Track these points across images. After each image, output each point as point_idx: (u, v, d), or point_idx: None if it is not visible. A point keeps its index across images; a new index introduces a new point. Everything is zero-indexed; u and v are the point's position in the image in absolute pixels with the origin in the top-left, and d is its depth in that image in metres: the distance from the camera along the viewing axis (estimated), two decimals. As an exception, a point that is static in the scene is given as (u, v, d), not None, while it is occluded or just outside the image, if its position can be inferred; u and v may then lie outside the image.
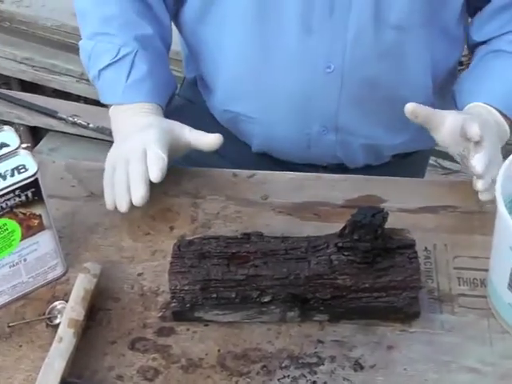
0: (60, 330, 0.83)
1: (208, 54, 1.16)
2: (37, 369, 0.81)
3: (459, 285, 0.92)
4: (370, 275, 0.85)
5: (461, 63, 1.25)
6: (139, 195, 0.95)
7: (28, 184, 0.84)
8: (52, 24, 2.31)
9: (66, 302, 0.87)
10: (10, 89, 2.45)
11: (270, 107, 1.13)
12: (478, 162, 0.94)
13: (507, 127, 1.03)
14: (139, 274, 0.94)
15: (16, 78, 2.42)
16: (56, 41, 2.34)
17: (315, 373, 0.83)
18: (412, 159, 1.30)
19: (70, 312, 0.85)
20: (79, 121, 2.30)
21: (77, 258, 0.96)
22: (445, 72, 1.17)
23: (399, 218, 0.98)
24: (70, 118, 2.30)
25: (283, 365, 0.84)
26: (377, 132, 1.17)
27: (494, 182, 0.93)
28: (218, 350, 0.85)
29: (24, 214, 0.86)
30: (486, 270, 0.90)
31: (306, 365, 0.84)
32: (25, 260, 0.89)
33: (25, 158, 0.85)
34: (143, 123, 1.02)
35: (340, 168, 1.20)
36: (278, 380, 0.82)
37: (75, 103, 2.40)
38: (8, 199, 0.83)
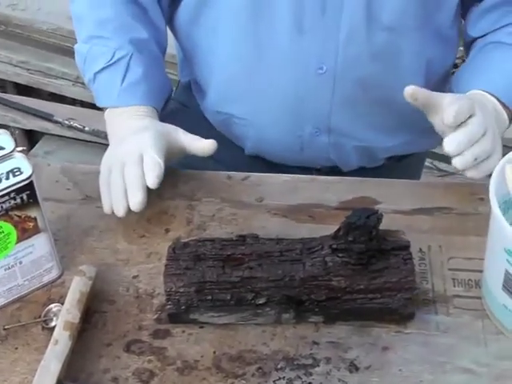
0: (56, 333, 0.83)
1: (202, 56, 1.17)
2: (32, 371, 0.81)
3: (454, 286, 0.92)
4: (365, 277, 0.85)
5: (455, 66, 1.25)
6: (137, 201, 0.95)
7: (23, 187, 0.84)
8: (48, 27, 2.32)
9: (62, 304, 0.87)
10: (6, 92, 2.45)
11: (263, 108, 1.13)
12: (448, 141, 0.94)
13: (506, 115, 1.03)
14: (134, 277, 0.94)
15: (11, 82, 2.42)
16: (52, 44, 2.35)
17: (310, 374, 0.83)
18: (407, 162, 1.30)
19: (65, 314, 0.85)
20: (75, 124, 2.30)
21: (72, 260, 0.96)
22: (438, 74, 1.17)
23: (394, 220, 0.98)
24: (66, 122, 2.31)
25: (278, 366, 0.84)
26: (370, 134, 1.17)
27: (484, 161, 0.94)
28: (214, 352, 0.86)
29: (19, 216, 0.86)
30: (481, 271, 0.90)
31: (302, 366, 0.84)
32: (20, 263, 0.89)
33: (20, 160, 0.85)
34: (138, 126, 1.02)
35: (334, 171, 1.20)
36: (274, 382, 0.82)
37: (71, 106, 2.40)
38: (3, 202, 0.83)
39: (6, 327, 0.88)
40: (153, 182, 0.95)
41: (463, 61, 1.19)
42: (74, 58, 1.14)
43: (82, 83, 2.31)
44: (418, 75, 1.12)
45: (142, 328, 0.88)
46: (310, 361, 0.84)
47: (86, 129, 2.28)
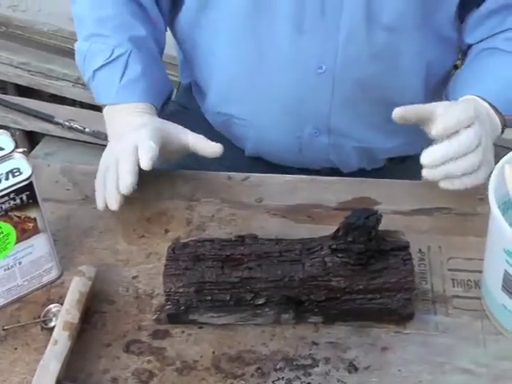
0: (55, 333, 0.83)
1: (202, 57, 1.17)
2: (32, 371, 0.81)
3: (453, 286, 0.92)
4: (364, 277, 0.85)
5: (455, 66, 1.24)
6: (126, 183, 0.94)
7: (22, 187, 0.84)
8: (48, 29, 2.31)
9: (61, 305, 0.87)
10: (6, 93, 2.45)
11: (263, 109, 1.13)
12: (426, 152, 0.93)
13: (498, 121, 1.02)
14: (134, 277, 0.94)
15: (12, 83, 2.42)
16: (52, 45, 2.34)
17: (310, 374, 0.83)
18: (408, 164, 1.29)
19: (65, 315, 0.85)
20: (75, 125, 2.30)
21: (72, 261, 0.96)
22: (438, 75, 1.17)
23: (393, 220, 0.98)
24: (67, 123, 2.30)
25: (278, 367, 0.84)
26: (369, 135, 1.17)
27: (471, 174, 0.94)
28: (213, 353, 0.86)
29: (19, 217, 0.86)
30: (480, 272, 0.90)
31: (301, 367, 0.84)
32: (20, 263, 0.89)
33: (19, 161, 0.85)
34: (137, 123, 1.02)
35: (334, 173, 1.20)
36: (273, 382, 0.83)
37: (71, 108, 2.40)
38: (3, 202, 0.83)
39: (6, 327, 0.88)
40: (146, 163, 0.94)
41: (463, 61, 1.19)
42: (74, 59, 1.15)
43: (83, 84, 2.31)
44: (417, 76, 1.12)
45: (142, 328, 0.88)
46: (309, 361, 0.84)
47: (87, 130, 2.27)
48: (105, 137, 2.39)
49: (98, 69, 1.08)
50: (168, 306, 0.87)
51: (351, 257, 0.85)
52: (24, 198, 0.85)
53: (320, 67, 1.07)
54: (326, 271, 0.85)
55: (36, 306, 0.91)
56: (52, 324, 0.88)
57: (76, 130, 2.30)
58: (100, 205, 0.98)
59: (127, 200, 1.03)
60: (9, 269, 0.89)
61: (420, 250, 0.96)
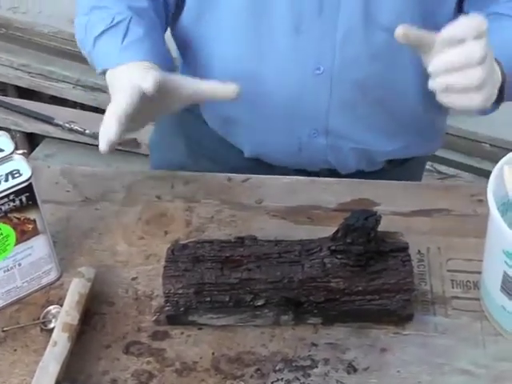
0: (54, 335, 0.83)
1: (202, 59, 1.17)
2: (31, 373, 0.81)
3: (452, 287, 0.92)
4: (363, 278, 0.85)
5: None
6: (123, 103, 0.90)
7: (22, 189, 0.84)
8: (49, 31, 2.32)
9: (61, 306, 0.87)
10: (7, 95, 2.45)
11: (261, 110, 1.13)
12: (433, 60, 0.88)
13: (498, 69, 0.96)
14: (133, 279, 0.94)
15: (12, 85, 2.42)
16: (53, 47, 2.35)
17: (309, 376, 0.83)
18: (407, 166, 1.29)
19: (64, 316, 0.85)
20: (75, 127, 2.30)
21: (71, 262, 0.96)
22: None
23: (392, 222, 0.98)
24: (67, 125, 2.31)
25: (277, 368, 0.84)
26: (368, 136, 1.16)
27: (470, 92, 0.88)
28: (212, 354, 0.86)
29: (18, 218, 0.86)
30: (479, 273, 0.91)
31: (300, 368, 0.84)
32: (19, 265, 0.89)
33: (19, 162, 0.85)
34: (143, 67, 0.97)
35: (333, 174, 1.20)
36: (272, 383, 0.83)
37: (72, 109, 2.40)
38: (2, 204, 0.83)
39: (5, 329, 0.88)
40: (147, 83, 0.90)
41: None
42: (75, 60, 1.14)
43: (83, 86, 2.31)
44: (417, 77, 1.11)
45: (141, 330, 0.88)
46: (308, 362, 0.84)
47: (87, 132, 2.28)
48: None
49: (98, 35, 1.04)
50: (167, 308, 0.87)
51: (350, 258, 0.85)
52: (24, 199, 0.85)
53: (318, 68, 1.07)
54: (325, 272, 0.85)
55: (35, 308, 0.91)
56: (51, 325, 0.88)
57: (76, 131, 2.30)
58: (102, 142, 0.95)
59: (127, 201, 1.04)
60: (8, 270, 0.89)
61: (419, 251, 0.96)
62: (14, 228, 0.86)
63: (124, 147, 2.22)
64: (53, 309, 0.90)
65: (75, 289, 0.88)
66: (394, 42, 1.05)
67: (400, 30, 0.89)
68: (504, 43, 1.00)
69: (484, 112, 1.00)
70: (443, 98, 0.90)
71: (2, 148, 0.86)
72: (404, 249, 0.87)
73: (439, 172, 2.15)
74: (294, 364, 0.84)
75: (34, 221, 0.87)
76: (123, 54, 1.02)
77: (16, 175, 0.84)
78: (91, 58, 1.08)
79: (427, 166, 1.48)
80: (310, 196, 1.05)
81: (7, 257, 0.87)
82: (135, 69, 0.98)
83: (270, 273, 0.85)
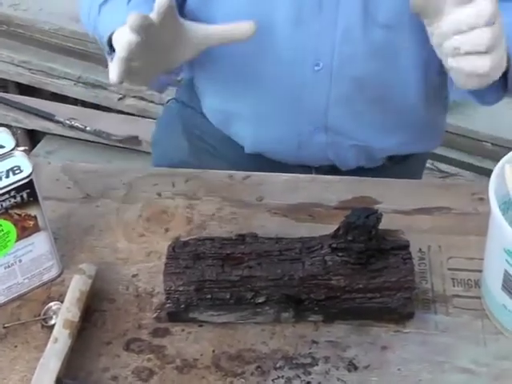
0: (55, 331, 0.83)
1: (202, 55, 1.17)
2: (32, 369, 0.81)
3: (453, 286, 0.92)
4: (364, 276, 0.85)
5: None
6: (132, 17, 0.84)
7: (23, 185, 0.84)
8: (50, 27, 2.31)
9: (62, 303, 0.87)
10: (8, 92, 2.46)
11: (261, 106, 1.13)
12: (442, 23, 0.86)
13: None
14: (134, 275, 0.94)
15: (13, 81, 2.43)
16: (54, 44, 2.35)
17: (309, 373, 0.83)
18: (408, 163, 1.29)
19: (65, 313, 0.85)
20: (76, 124, 2.30)
21: (72, 259, 0.96)
22: (438, 73, 1.16)
23: (393, 220, 0.98)
24: (68, 122, 2.31)
25: (277, 365, 0.84)
26: (367, 133, 1.16)
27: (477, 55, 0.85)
28: (213, 351, 0.86)
29: (19, 215, 0.86)
30: (480, 271, 0.90)
31: (300, 365, 0.84)
32: (20, 261, 0.89)
33: (20, 159, 0.85)
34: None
35: (333, 169, 1.20)
36: (273, 380, 0.83)
37: (72, 106, 2.41)
38: (3, 200, 0.83)
39: (6, 325, 0.88)
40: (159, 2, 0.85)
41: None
42: (76, 58, 1.14)
43: (84, 83, 2.31)
44: (416, 73, 1.11)
45: (142, 327, 0.88)
46: (308, 360, 0.84)
47: (88, 129, 2.28)
48: (106, 135, 2.40)
49: (103, 3, 1.04)
50: (168, 305, 0.87)
51: (351, 256, 0.85)
52: (24, 195, 0.85)
53: (317, 64, 1.07)
54: (326, 270, 0.85)
55: (36, 304, 0.91)
56: (52, 322, 0.88)
57: (77, 128, 2.30)
58: (111, 73, 0.90)
59: (128, 198, 1.04)
60: (9, 267, 0.89)
61: (420, 249, 0.96)
62: (15, 224, 0.86)
63: (125, 145, 2.22)
64: (54, 305, 0.90)
65: (76, 285, 0.88)
66: (393, 40, 1.06)
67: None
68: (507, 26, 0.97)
69: (489, 101, 1.00)
70: (452, 63, 0.87)
71: (3, 144, 0.86)
72: (405, 247, 0.87)
73: (440, 170, 2.15)
74: (294, 361, 0.84)
75: (35, 217, 0.87)
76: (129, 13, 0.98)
77: (17, 171, 0.84)
78: (97, 28, 1.05)
79: (428, 165, 1.48)
80: (311, 194, 1.05)
81: (8, 253, 0.87)
82: None
83: (270, 270, 0.85)
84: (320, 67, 1.07)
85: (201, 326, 0.88)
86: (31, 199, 0.86)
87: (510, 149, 0.94)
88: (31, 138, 2.44)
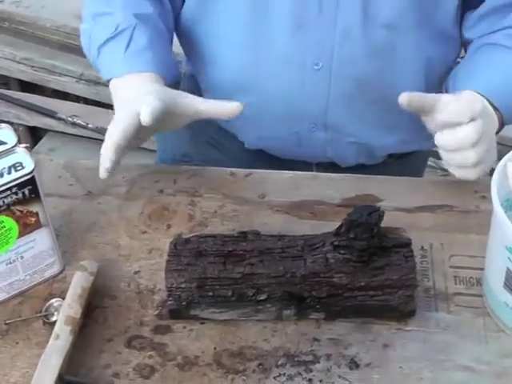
0: (57, 328, 0.83)
1: (202, 55, 1.17)
2: (33, 366, 0.81)
3: (455, 283, 0.92)
4: (366, 274, 0.85)
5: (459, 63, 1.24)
6: (114, 139, 0.92)
7: (25, 182, 0.84)
8: (51, 25, 2.31)
9: (63, 299, 0.87)
10: (9, 89, 2.46)
11: (261, 104, 1.13)
12: (435, 137, 0.96)
13: (496, 119, 1.01)
14: (136, 272, 0.94)
15: (15, 78, 2.43)
16: (55, 41, 2.35)
17: (311, 371, 0.83)
18: (409, 160, 1.29)
19: (67, 309, 0.85)
20: (78, 121, 2.30)
21: (74, 255, 0.96)
22: (439, 72, 1.16)
23: (396, 217, 0.98)
24: (69, 119, 2.31)
25: (279, 363, 0.84)
26: (366, 131, 1.16)
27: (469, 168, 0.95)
28: (214, 348, 0.86)
29: (21, 211, 0.86)
30: (482, 269, 0.90)
31: (302, 363, 0.84)
32: (22, 257, 0.89)
33: (22, 155, 0.85)
34: (143, 91, 0.98)
35: (334, 165, 1.20)
36: (274, 378, 0.83)
37: (74, 103, 2.41)
38: (5, 197, 0.83)
39: (7, 322, 0.88)
40: (145, 115, 0.91)
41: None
42: (78, 55, 1.14)
43: (86, 80, 2.31)
44: (417, 73, 1.11)
45: (143, 324, 0.88)
46: (310, 357, 0.84)
47: (90, 126, 2.28)
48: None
49: (102, 44, 1.05)
50: (170, 302, 0.87)
51: (353, 253, 0.85)
52: (26, 192, 0.85)
53: (316, 64, 1.07)
54: (327, 268, 0.85)
55: (38, 301, 0.91)
56: (54, 318, 0.88)
57: (79, 125, 2.30)
58: (100, 170, 0.95)
59: (129, 195, 1.04)
60: (11, 263, 0.89)
61: (422, 247, 0.96)
62: (17, 221, 0.86)
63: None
64: (55, 302, 0.90)
65: (78, 282, 0.88)
66: (392, 40, 1.06)
67: (404, 98, 0.93)
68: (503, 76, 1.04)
69: None
70: (444, 165, 0.98)
71: (5, 141, 0.86)
72: (407, 244, 0.87)
73: (442, 168, 2.15)
74: (296, 359, 0.84)
75: (37, 214, 0.87)
76: (126, 64, 1.03)
77: (19, 168, 0.84)
78: (96, 66, 1.09)
79: (430, 163, 1.48)
80: (313, 191, 1.05)
81: (10, 249, 0.87)
82: (136, 88, 0.99)
83: (272, 267, 0.85)
84: (319, 67, 1.07)
85: (202, 323, 0.88)
86: (33, 196, 0.86)
87: (511, 147, 0.94)
88: (33, 135, 2.44)
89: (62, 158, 1.14)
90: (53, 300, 0.90)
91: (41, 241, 0.90)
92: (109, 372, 0.84)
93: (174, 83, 1.09)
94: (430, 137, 1.14)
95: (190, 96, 1.00)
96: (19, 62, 2.37)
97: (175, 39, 1.22)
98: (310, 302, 0.86)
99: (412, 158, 1.29)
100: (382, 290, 0.85)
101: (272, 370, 0.83)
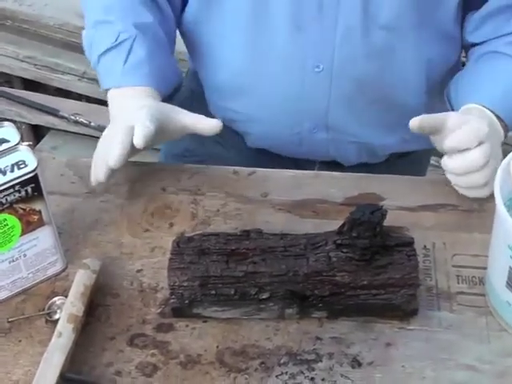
0: (59, 326, 0.84)
1: (205, 55, 1.17)
2: (36, 364, 0.81)
3: (458, 283, 0.92)
4: (369, 272, 0.85)
5: (462, 64, 1.23)
6: (114, 154, 0.93)
7: (28, 179, 0.84)
8: (54, 23, 2.31)
9: (66, 297, 0.87)
10: (12, 87, 2.45)
11: (263, 105, 1.13)
12: (444, 161, 0.98)
13: (502, 129, 1.02)
14: (138, 271, 0.94)
15: (18, 76, 2.42)
16: (58, 39, 2.35)
17: (313, 369, 0.83)
18: (411, 159, 1.30)
19: (69, 307, 0.85)
20: (81, 119, 2.30)
21: (76, 254, 0.96)
22: (441, 72, 1.16)
23: (398, 216, 0.98)
24: (72, 117, 2.31)
25: (281, 361, 0.84)
26: (367, 131, 1.17)
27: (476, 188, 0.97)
28: (217, 347, 0.86)
29: (24, 209, 0.86)
30: (485, 268, 0.90)
31: (304, 361, 0.84)
32: (24, 255, 0.89)
33: (25, 153, 0.85)
34: (137, 105, 1.00)
35: (337, 163, 1.20)
36: (276, 376, 0.83)
37: (77, 102, 2.40)
38: (8, 194, 0.83)
39: (10, 320, 0.88)
40: (139, 140, 0.93)
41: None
42: (80, 53, 1.15)
43: (89, 79, 2.31)
44: (418, 74, 1.11)
45: (146, 322, 0.88)
46: (312, 356, 0.84)
47: (92, 124, 2.28)
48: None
49: (102, 53, 1.07)
50: (172, 300, 0.87)
51: (356, 252, 0.85)
52: (29, 190, 0.85)
53: (317, 66, 1.07)
54: (330, 266, 0.85)
55: (41, 299, 0.91)
56: (56, 316, 0.88)
57: (81, 124, 2.30)
58: (92, 179, 0.98)
59: (132, 194, 1.04)
60: (14, 261, 0.89)
61: (425, 246, 0.96)
62: (20, 219, 0.86)
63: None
64: (58, 300, 0.90)
65: (80, 280, 0.88)
66: (393, 41, 1.06)
67: (415, 122, 0.94)
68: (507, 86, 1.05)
69: None
70: (454, 187, 1.00)
71: (8, 139, 0.86)
72: (409, 243, 0.87)
73: (445, 168, 2.14)
74: (298, 358, 0.84)
75: (40, 212, 0.87)
76: (123, 77, 1.06)
77: (22, 166, 0.84)
78: (96, 71, 1.11)
79: (433, 162, 1.48)
80: (315, 190, 1.04)
81: (13, 247, 0.87)
82: (130, 102, 1.02)
83: (275, 266, 0.85)
84: (320, 69, 1.07)
85: (205, 321, 0.88)
86: (36, 194, 0.86)
87: (514, 147, 0.94)
88: (35, 134, 2.44)
89: (65, 156, 1.14)
90: (55, 298, 0.90)
91: (43, 239, 0.90)
92: (111, 370, 0.84)
93: (174, 89, 1.12)
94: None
95: (182, 111, 1.02)
96: (22, 60, 2.37)
97: (178, 38, 1.23)
98: (313, 301, 0.86)
99: (414, 157, 1.29)
100: (385, 288, 0.85)
101: (274, 368, 0.83)
